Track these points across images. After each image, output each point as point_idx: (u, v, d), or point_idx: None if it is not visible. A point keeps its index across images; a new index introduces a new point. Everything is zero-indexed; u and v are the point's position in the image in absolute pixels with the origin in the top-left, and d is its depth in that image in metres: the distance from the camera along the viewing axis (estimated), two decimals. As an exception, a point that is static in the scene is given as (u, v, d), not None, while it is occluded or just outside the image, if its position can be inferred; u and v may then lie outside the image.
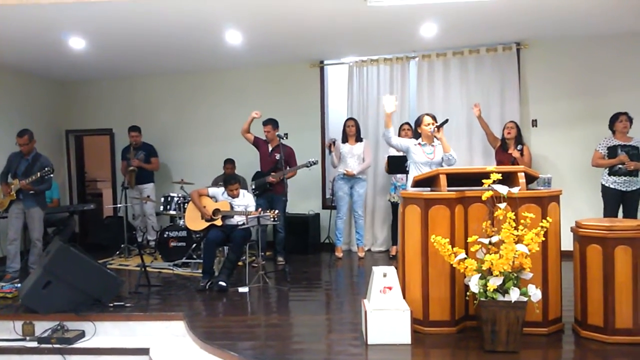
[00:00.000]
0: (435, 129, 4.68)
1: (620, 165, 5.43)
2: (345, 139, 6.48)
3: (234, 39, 5.89)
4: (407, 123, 6.42)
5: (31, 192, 5.62)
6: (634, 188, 5.45)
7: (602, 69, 6.17)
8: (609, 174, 5.55)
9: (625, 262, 3.37)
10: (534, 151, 6.34)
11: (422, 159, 4.73)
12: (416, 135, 4.92)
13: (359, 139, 6.45)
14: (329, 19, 5.31)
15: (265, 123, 6.27)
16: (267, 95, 7.38)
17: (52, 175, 5.61)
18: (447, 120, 4.77)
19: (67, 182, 8.42)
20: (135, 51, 6.47)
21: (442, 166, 4.70)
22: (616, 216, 5.49)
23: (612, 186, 5.53)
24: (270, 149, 6.30)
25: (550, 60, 6.36)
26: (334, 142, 6.47)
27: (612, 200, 5.55)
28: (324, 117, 7.34)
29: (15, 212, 5.70)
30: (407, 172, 5.05)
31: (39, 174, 5.51)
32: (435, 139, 4.75)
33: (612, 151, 5.51)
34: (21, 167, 5.73)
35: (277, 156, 6.09)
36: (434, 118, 4.79)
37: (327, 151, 6.82)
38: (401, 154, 6.12)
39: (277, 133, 6.13)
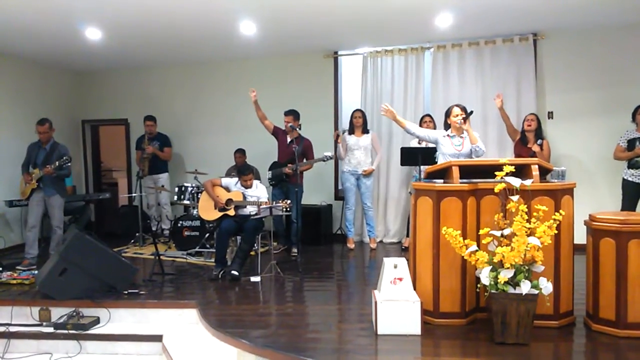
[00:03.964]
0: (462, 120, 4.62)
1: (637, 158, 5.37)
2: (352, 131, 6.47)
3: (248, 29, 5.90)
4: (429, 115, 6.38)
5: (54, 176, 5.69)
6: None
7: (621, 60, 6.07)
8: (628, 167, 5.51)
9: (638, 255, 3.34)
10: (550, 143, 6.27)
11: (450, 150, 4.68)
12: (446, 126, 4.84)
13: (365, 130, 6.44)
14: (343, 9, 5.29)
15: (287, 114, 6.23)
16: (280, 85, 7.39)
17: (69, 164, 5.69)
18: (472, 112, 4.72)
19: (83, 171, 8.54)
20: (151, 42, 6.51)
21: (471, 158, 4.65)
22: (634, 209, 5.43)
23: (630, 179, 5.48)
24: (289, 140, 6.30)
25: (568, 51, 6.27)
26: (343, 133, 6.47)
27: (630, 194, 5.49)
28: (337, 108, 7.32)
29: (36, 199, 5.80)
30: (422, 165, 5.03)
31: (57, 162, 5.58)
32: (464, 131, 4.69)
33: (631, 144, 5.47)
34: (40, 156, 5.83)
35: (295, 147, 6.10)
36: (463, 109, 4.69)
37: (334, 143, 6.83)
38: (413, 145, 6.16)
39: (290, 124, 6.11)
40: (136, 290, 4.70)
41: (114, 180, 9.61)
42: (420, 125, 6.19)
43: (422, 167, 6.14)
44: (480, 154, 4.65)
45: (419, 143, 6.17)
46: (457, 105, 4.75)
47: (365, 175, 6.41)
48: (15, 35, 6.00)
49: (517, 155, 5.85)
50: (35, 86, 7.54)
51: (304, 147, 6.14)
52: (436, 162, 4.89)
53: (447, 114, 4.80)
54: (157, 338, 4.15)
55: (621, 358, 3.16)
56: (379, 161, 6.45)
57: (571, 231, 3.67)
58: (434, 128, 6.07)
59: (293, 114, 6.25)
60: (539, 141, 5.80)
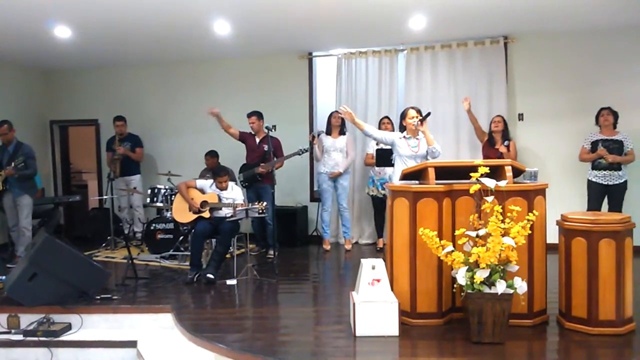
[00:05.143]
0: (419, 122, 4.71)
1: (600, 160, 5.53)
2: (329, 132, 6.48)
3: (222, 29, 5.84)
4: (387, 117, 6.49)
5: (17, 179, 5.78)
6: (617, 182, 5.54)
7: (589, 63, 6.23)
8: (592, 168, 5.67)
9: (609, 255, 3.42)
10: (521, 145, 6.41)
11: (407, 152, 4.77)
12: (402, 128, 4.93)
13: (342, 132, 6.46)
14: (317, 10, 5.29)
15: (249, 115, 6.25)
16: (255, 86, 7.35)
17: (23, 163, 5.69)
18: (429, 113, 4.80)
19: (51, 173, 8.33)
20: (122, 41, 6.39)
21: (427, 159, 4.75)
22: (599, 209, 5.59)
23: (594, 180, 5.64)
24: (257, 140, 6.27)
25: (538, 54, 6.40)
26: (318, 135, 6.47)
27: (595, 194, 5.65)
28: (312, 109, 7.32)
29: (8, 203, 5.96)
30: (392, 165, 5.08)
31: (13, 163, 5.65)
32: (419, 132, 4.78)
33: (594, 146, 5.63)
34: (4, 158, 5.86)
35: (265, 147, 6.07)
36: (418, 112, 4.81)
37: (309, 144, 6.82)
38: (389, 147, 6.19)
39: (265, 125, 6.09)
40: (109, 295, 4.61)
41: (84, 183, 9.40)
42: (380, 127, 6.26)
43: (376, 169, 6.36)
44: (436, 156, 4.75)
45: (377, 144, 6.25)
46: (412, 108, 4.88)
47: (340, 176, 6.42)
48: (-20, 33, 5.82)
49: (485, 156, 5.96)
50: (1, 85, 7.31)
51: (274, 145, 6.12)
52: (393, 164, 4.97)
53: (403, 116, 4.90)
54: (132, 344, 4.07)
55: (593, 355, 3.24)
56: (349, 164, 6.46)
57: (544, 231, 3.74)
58: (393, 130, 6.15)
59: (256, 114, 6.24)
60: (506, 142, 5.94)
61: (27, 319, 4.33)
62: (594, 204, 5.64)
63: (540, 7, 5.33)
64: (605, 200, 5.69)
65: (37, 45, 6.41)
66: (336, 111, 6.51)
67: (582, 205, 5.79)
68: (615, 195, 5.58)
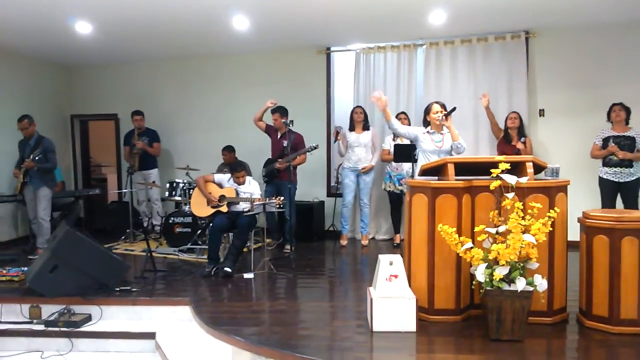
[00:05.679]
0: (443, 117, 4.63)
1: (611, 156, 5.46)
2: (352, 127, 6.46)
3: (240, 24, 5.85)
4: (404, 112, 6.45)
5: (37, 171, 5.90)
6: (629, 179, 5.45)
7: (611, 59, 6.11)
8: (603, 165, 5.60)
9: (632, 253, 3.37)
10: (541, 141, 6.34)
11: (430, 147, 4.69)
12: (425, 123, 4.87)
13: (366, 127, 6.43)
14: (336, 4, 5.27)
15: (273, 111, 6.24)
16: (272, 81, 7.35)
17: (40, 156, 5.85)
18: (454, 108, 4.72)
19: (72, 166, 8.45)
20: (142, 36, 6.44)
21: (451, 154, 4.68)
22: (614, 207, 5.51)
23: (605, 177, 5.57)
24: (279, 136, 6.29)
25: (559, 50, 6.30)
26: (339, 130, 6.44)
27: (607, 191, 5.57)
28: (330, 104, 7.30)
29: (29, 196, 6.09)
30: (414, 161, 5.03)
31: (31, 156, 5.81)
32: (444, 127, 4.71)
33: (605, 142, 5.54)
34: (27, 151, 5.98)
35: (285, 143, 6.07)
36: (443, 106, 4.71)
37: (332, 139, 6.80)
38: (407, 142, 6.15)
39: (283, 120, 6.09)
40: (128, 287, 4.66)
41: (103, 176, 9.51)
42: None
43: (393, 164, 6.34)
44: (461, 151, 4.69)
45: (394, 140, 6.20)
46: (436, 102, 4.79)
47: (365, 172, 6.40)
48: (2, 29, 5.90)
49: (501, 153, 5.88)
50: (23, 81, 7.42)
51: (295, 141, 6.11)
52: (416, 160, 4.92)
53: (427, 111, 4.82)
54: (150, 335, 4.11)
55: (614, 354, 3.20)
56: (377, 158, 6.45)
57: (565, 228, 3.69)
58: (409, 125, 6.10)
59: (279, 111, 6.22)
60: (522, 139, 5.87)
61: (48, 310, 4.40)
62: (607, 202, 5.56)
63: (563, 1, 5.24)
64: (620, 198, 5.60)
65: (58, 40, 6.49)
66: (358, 106, 6.50)
67: (595, 202, 5.69)
68: (628, 193, 5.49)
